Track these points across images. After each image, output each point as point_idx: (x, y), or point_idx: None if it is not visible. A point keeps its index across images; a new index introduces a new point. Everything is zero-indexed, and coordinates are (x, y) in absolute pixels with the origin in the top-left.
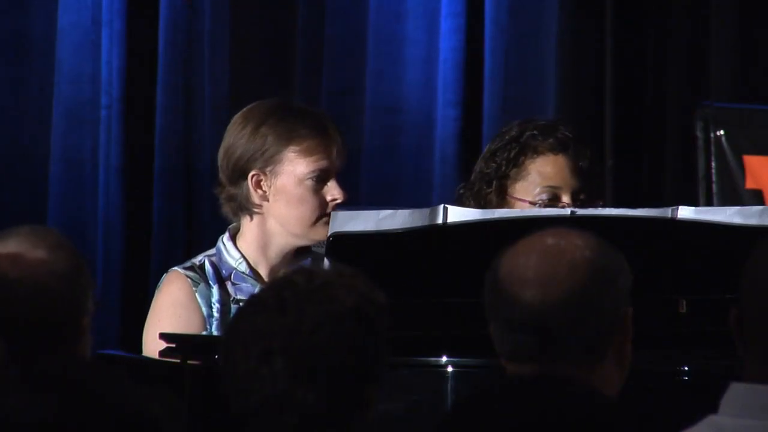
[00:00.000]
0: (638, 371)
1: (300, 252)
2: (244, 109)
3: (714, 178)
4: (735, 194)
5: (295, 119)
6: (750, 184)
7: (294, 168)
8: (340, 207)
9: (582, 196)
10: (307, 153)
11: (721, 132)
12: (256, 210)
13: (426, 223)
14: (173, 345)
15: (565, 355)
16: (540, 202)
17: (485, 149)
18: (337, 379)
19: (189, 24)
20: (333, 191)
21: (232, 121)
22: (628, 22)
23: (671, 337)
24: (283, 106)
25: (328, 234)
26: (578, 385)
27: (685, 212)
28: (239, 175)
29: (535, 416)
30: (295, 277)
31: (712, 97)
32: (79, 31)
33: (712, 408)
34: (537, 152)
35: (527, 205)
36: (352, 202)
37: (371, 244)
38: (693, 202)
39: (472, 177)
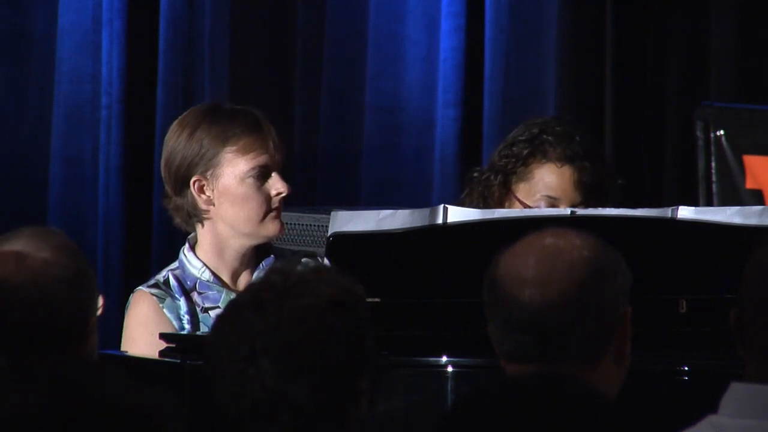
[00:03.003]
0: (638, 371)
1: (261, 250)
2: (179, 117)
3: (714, 178)
4: (735, 194)
5: (228, 120)
6: (750, 184)
7: (233, 168)
8: (339, 207)
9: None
10: (244, 151)
11: (721, 132)
12: (204, 216)
13: (426, 223)
14: (173, 345)
15: (563, 354)
16: (538, 208)
17: (509, 136)
18: (326, 373)
19: (189, 24)
20: (276, 185)
21: (169, 130)
22: (628, 22)
23: (671, 337)
24: (214, 109)
25: (329, 234)
26: (577, 384)
27: (685, 212)
28: (182, 183)
29: (534, 416)
30: (271, 277)
31: (712, 97)
32: (79, 31)
33: (712, 408)
34: (546, 158)
35: (526, 207)
36: (352, 202)
37: (371, 244)
38: (693, 202)
39: (488, 163)
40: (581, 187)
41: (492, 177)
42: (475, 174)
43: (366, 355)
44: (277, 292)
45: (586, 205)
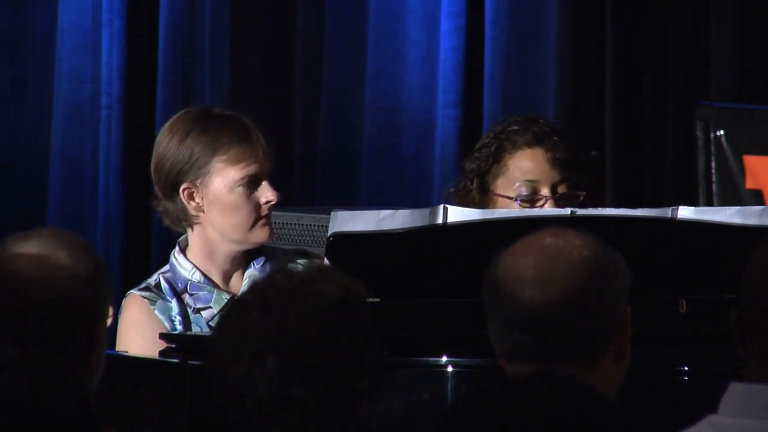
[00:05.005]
0: (638, 371)
1: (251, 250)
2: (169, 121)
3: (714, 178)
4: (735, 194)
5: (218, 128)
6: (750, 184)
7: (223, 178)
8: (339, 207)
9: (561, 188)
10: (234, 161)
11: (721, 132)
12: (194, 221)
13: (426, 223)
14: (173, 345)
15: (563, 354)
16: (519, 196)
17: (475, 146)
18: (330, 373)
19: (189, 24)
20: (266, 193)
21: (159, 134)
22: (628, 22)
23: (671, 337)
24: (205, 115)
25: (329, 234)
26: (577, 384)
27: (685, 212)
28: (171, 188)
29: (534, 416)
30: (275, 276)
31: (712, 97)
32: (79, 31)
33: (712, 408)
34: (515, 147)
35: (508, 200)
36: (352, 202)
37: (371, 244)
38: (693, 202)
39: (460, 175)
40: (557, 164)
41: (468, 184)
42: (451, 189)
43: (368, 356)
44: (282, 292)
45: (567, 182)
